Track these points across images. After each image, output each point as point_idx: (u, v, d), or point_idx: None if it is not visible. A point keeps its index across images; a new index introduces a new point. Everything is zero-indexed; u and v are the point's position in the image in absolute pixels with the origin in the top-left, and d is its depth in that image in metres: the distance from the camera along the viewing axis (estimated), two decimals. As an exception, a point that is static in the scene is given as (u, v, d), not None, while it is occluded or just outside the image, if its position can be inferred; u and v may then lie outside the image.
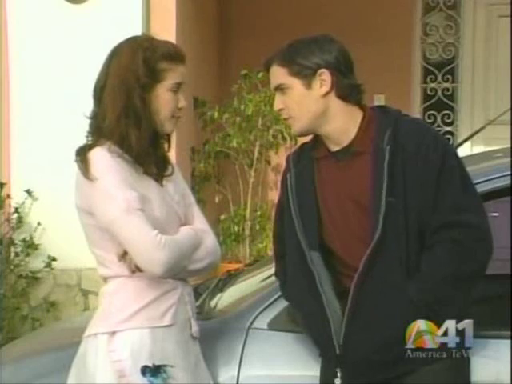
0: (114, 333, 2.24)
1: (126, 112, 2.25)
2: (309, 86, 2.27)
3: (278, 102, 2.33)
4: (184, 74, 2.34)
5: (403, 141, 2.22)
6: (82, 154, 2.25)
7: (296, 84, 2.28)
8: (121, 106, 2.25)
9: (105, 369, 2.23)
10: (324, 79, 2.27)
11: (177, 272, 2.26)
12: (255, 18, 6.83)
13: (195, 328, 2.36)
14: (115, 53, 2.33)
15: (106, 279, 2.34)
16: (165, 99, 2.29)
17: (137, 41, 2.33)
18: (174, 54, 2.31)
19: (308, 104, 2.28)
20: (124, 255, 2.24)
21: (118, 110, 2.25)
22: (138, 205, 2.20)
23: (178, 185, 2.42)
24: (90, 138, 2.31)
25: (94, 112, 2.32)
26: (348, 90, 2.30)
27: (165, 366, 2.22)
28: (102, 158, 2.23)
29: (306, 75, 2.27)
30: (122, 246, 2.22)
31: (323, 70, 2.26)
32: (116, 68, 2.29)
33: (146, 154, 2.29)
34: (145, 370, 2.20)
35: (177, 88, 2.31)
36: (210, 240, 2.38)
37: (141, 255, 2.19)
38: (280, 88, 2.31)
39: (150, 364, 2.21)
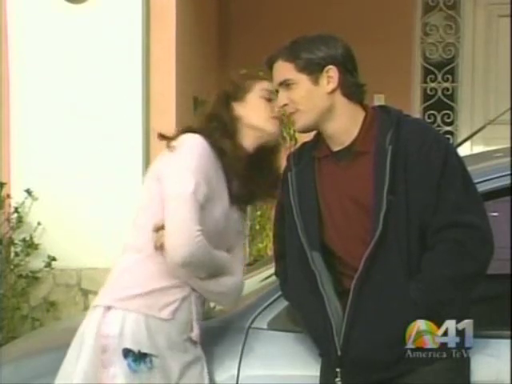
0: (109, 308, 2.28)
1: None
2: (316, 82, 2.26)
3: (283, 98, 2.31)
4: (271, 88, 2.43)
5: (405, 141, 2.22)
6: (184, 132, 2.36)
7: (303, 80, 2.27)
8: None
9: (93, 339, 2.26)
10: (331, 76, 2.26)
11: (190, 273, 2.28)
12: (255, 17, 6.83)
13: (196, 332, 2.36)
14: None
15: (125, 249, 2.37)
16: (256, 105, 2.43)
17: None
18: (254, 75, 2.47)
19: (315, 100, 2.27)
20: (159, 229, 2.27)
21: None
22: (201, 198, 2.25)
23: (240, 219, 2.48)
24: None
25: None
26: (353, 89, 2.29)
27: (151, 355, 2.24)
28: (202, 142, 2.31)
29: (313, 71, 2.26)
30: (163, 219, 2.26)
31: (330, 66, 2.25)
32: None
33: (236, 169, 2.37)
34: (127, 354, 2.22)
35: (269, 96, 2.43)
36: (234, 279, 2.41)
37: (172, 238, 2.22)
38: (285, 84, 2.29)
39: (134, 349, 2.22)
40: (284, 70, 2.29)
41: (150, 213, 2.33)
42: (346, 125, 2.29)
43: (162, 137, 2.38)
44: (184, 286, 2.32)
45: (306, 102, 2.27)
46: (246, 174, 2.41)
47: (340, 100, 2.28)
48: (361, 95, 2.32)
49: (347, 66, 2.28)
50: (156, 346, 2.25)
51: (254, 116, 2.41)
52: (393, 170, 2.19)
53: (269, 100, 2.42)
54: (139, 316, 2.25)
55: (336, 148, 2.32)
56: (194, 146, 2.31)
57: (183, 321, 2.32)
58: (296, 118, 2.31)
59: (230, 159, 2.35)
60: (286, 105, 2.31)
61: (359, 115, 2.31)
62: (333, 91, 2.27)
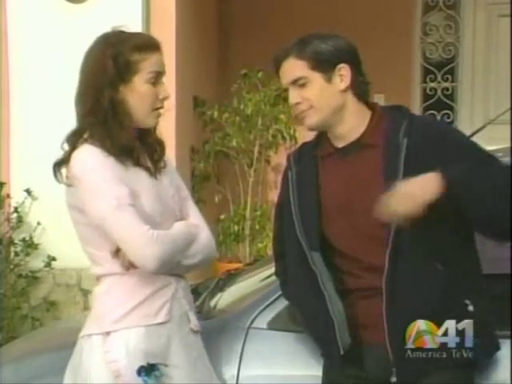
0: (108, 333, 2.24)
1: (96, 111, 2.29)
2: (329, 80, 2.25)
3: (295, 96, 2.27)
4: (160, 64, 2.31)
5: (420, 133, 2.20)
6: (70, 150, 2.27)
7: (317, 77, 2.24)
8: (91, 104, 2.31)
9: (101, 369, 2.22)
10: (343, 74, 2.25)
11: (171, 267, 2.25)
12: (255, 17, 6.82)
13: (194, 322, 2.34)
14: (86, 56, 2.35)
15: (99, 278, 2.33)
16: (141, 92, 2.27)
17: (105, 38, 2.32)
18: (144, 44, 2.30)
19: (328, 98, 2.25)
20: (117, 252, 2.23)
21: (89, 108, 2.32)
22: (129, 200, 2.18)
23: (172, 178, 2.41)
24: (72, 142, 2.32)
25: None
26: (363, 87, 2.29)
27: (158, 364, 2.21)
28: (91, 154, 2.23)
29: (326, 69, 2.24)
30: (114, 242, 2.21)
31: (343, 65, 2.24)
32: (85, 71, 2.34)
33: (132, 148, 2.27)
34: (140, 370, 2.20)
35: (155, 79, 2.28)
36: (204, 235, 2.37)
37: (134, 251, 2.18)
38: (298, 82, 2.26)
39: (144, 363, 2.20)
40: (296, 67, 2.26)
41: (94, 243, 2.28)
42: (353, 124, 2.28)
43: (57, 166, 2.32)
44: (168, 284, 2.29)
45: (319, 100, 2.25)
46: (146, 147, 2.34)
47: (351, 99, 2.28)
48: (368, 93, 2.32)
49: (356, 64, 2.28)
50: (162, 355, 2.23)
51: (137, 108, 2.27)
52: (408, 163, 2.17)
53: (154, 83, 2.29)
54: (139, 329, 2.23)
55: (341, 144, 2.30)
56: (87, 167, 2.21)
57: (179, 315, 2.30)
58: (309, 113, 2.27)
59: (126, 152, 2.26)
60: (298, 103, 2.28)
61: (366, 114, 2.30)
62: (345, 90, 2.26)
